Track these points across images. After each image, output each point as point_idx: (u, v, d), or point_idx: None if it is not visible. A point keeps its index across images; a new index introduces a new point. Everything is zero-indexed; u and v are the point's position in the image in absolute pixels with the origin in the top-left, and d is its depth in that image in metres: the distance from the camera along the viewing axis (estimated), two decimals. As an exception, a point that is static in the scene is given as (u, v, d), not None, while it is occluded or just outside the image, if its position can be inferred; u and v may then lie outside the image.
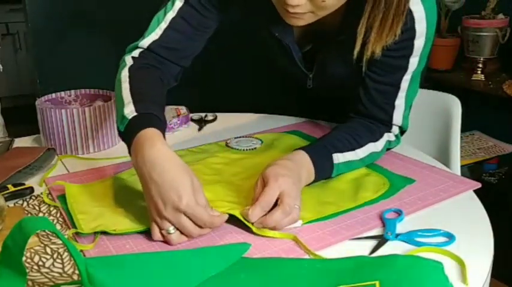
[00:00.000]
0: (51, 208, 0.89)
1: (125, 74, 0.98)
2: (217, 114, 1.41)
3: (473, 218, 0.82)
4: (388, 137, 1.05)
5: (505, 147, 2.25)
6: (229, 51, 2.63)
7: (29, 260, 0.73)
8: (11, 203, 0.90)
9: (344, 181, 0.95)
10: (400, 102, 1.03)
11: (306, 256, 0.72)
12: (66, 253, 0.74)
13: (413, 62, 0.99)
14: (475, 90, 2.12)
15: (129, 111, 0.87)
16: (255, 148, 1.14)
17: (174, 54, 1.05)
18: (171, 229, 0.75)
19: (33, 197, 0.93)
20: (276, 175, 0.82)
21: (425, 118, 1.31)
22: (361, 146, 1.00)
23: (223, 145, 1.17)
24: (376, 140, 1.02)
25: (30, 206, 0.90)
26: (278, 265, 0.68)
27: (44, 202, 0.91)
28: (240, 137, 1.21)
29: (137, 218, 0.82)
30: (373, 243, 0.74)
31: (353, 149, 0.98)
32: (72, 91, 1.28)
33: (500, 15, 2.13)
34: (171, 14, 1.03)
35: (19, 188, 0.93)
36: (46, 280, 0.68)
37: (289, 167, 0.86)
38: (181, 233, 0.76)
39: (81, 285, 0.57)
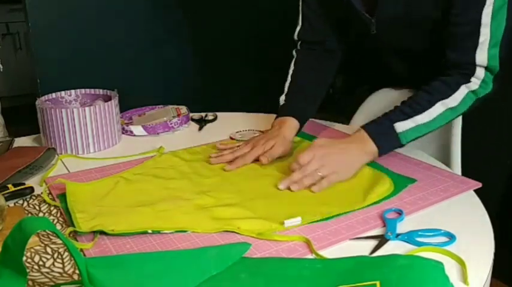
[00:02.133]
0: (52, 208, 0.89)
1: None
2: (217, 114, 1.41)
3: (473, 218, 0.82)
4: (467, 87, 0.97)
5: (505, 147, 2.25)
6: (230, 51, 2.63)
7: (29, 260, 0.73)
8: (11, 203, 0.90)
9: (346, 182, 0.95)
10: (484, 39, 0.94)
11: (307, 256, 0.72)
12: (66, 253, 0.74)
13: None
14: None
15: None
16: None
17: None
18: None
19: (34, 197, 0.93)
20: (313, 145, 0.94)
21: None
22: (427, 109, 0.96)
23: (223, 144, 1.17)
24: (447, 96, 0.97)
25: (31, 205, 0.90)
26: (279, 265, 0.68)
27: (44, 201, 0.91)
28: (243, 130, 1.22)
29: (136, 219, 0.82)
30: (373, 243, 0.74)
31: (418, 113, 0.96)
32: (72, 91, 1.28)
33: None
34: None
35: (19, 188, 0.93)
36: (46, 279, 0.68)
37: (332, 142, 0.95)
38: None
39: (81, 285, 0.57)
